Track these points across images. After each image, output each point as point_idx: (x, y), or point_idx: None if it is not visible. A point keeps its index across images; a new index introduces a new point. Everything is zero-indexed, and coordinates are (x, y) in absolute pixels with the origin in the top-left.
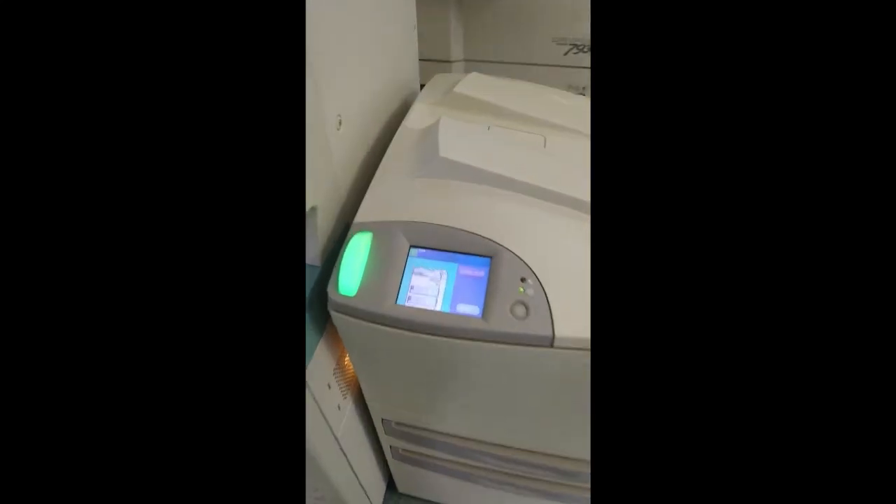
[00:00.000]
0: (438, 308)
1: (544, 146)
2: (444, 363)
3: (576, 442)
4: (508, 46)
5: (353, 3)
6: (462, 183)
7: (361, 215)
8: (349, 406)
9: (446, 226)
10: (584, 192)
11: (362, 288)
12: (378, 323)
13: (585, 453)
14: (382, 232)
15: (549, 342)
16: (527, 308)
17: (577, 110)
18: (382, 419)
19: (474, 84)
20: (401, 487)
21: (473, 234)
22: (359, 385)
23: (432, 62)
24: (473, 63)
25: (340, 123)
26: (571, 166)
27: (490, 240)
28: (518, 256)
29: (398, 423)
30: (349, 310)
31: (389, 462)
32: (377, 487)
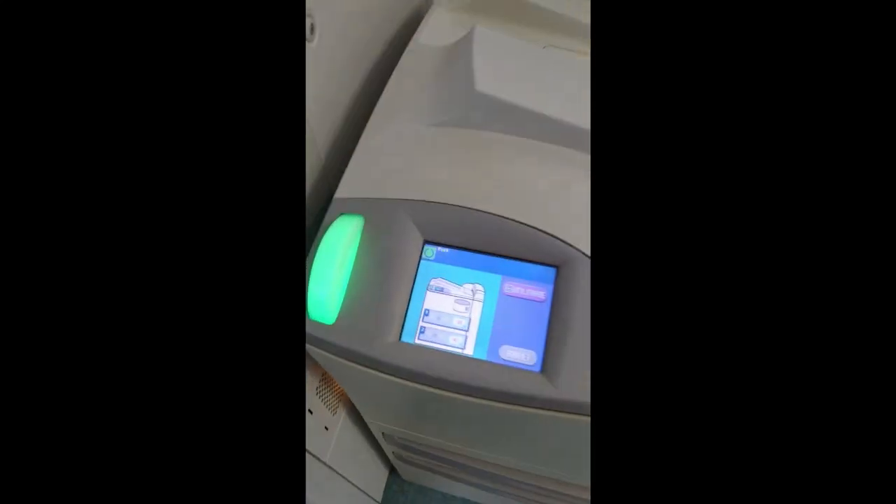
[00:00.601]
0: (469, 352)
1: None
2: (480, 420)
3: None
4: None
5: None
6: (511, 138)
7: (347, 186)
8: (340, 420)
9: (482, 210)
10: None
11: (346, 311)
12: (370, 367)
13: None
14: (379, 216)
15: None
16: None
17: None
18: (383, 433)
19: None
20: (404, 477)
21: (528, 225)
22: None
23: None
24: None
25: (313, 30)
26: None
27: (556, 237)
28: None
29: (401, 438)
30: (324, 344)
31: (392, 461)
32: (379, 477)
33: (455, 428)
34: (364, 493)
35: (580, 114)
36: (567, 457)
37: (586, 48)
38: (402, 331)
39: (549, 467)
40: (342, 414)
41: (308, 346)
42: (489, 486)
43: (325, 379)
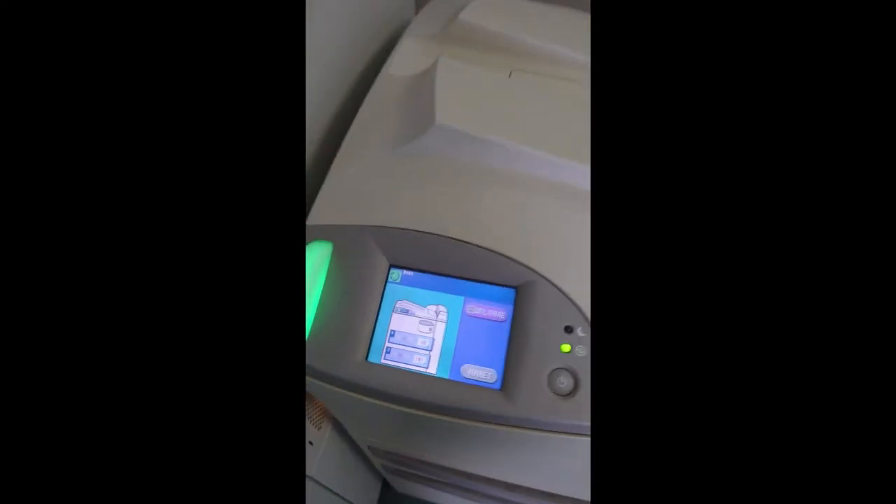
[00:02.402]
0: (433, 371)
1: (588, 104)
2: (440, 439)
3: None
4: None
5: None
6: (472, 165)
7: (318, 213)
8: (326, 435)
9: (446, 236)
10: None
11: (317, 332)
12: (339, 387)
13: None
14: (347, 241)
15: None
16: (575, 378)
17: None
18: (369, 446)
19: (488, 8)
20: (397, 489)
21: (488, 249)
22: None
23: None
24: None
25: None
26: None
27: (515, 260)
28: (559, 289)
29: (386, 451)
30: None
31: (382, 473)
32: (370, 486)
33: (431, 442)
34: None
35: (540, 140)
36: (541, 468)
37: (551, 70)
38: (368, 351)
39: (530, 479)
40: (327, 429)
41: None
42: (482, 499)
43: (308, 395)
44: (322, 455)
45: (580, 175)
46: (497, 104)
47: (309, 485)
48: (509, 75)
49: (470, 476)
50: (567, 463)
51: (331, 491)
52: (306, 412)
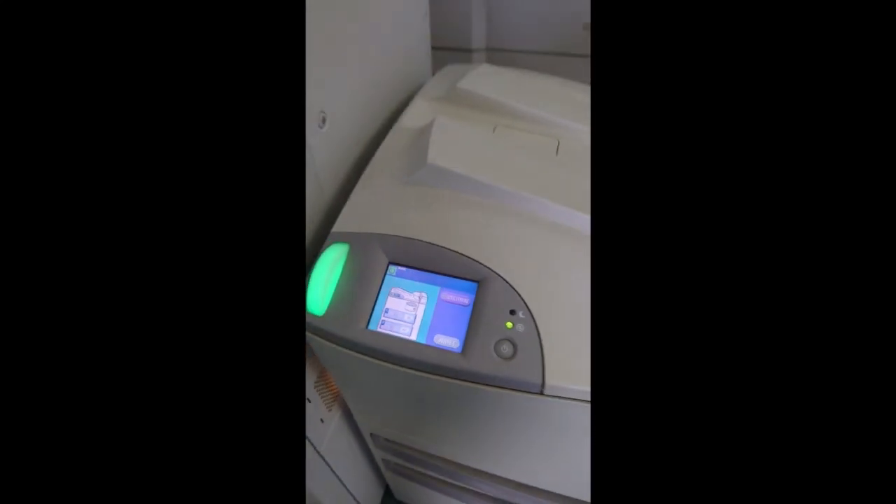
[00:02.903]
0: (413, 338)
1: (556, 153)
2: (422, 395)
3: (569, 483)
4: (534, 34)
5: None
6: (453, 193)
7: (340, 224)
8: (336, 418)
9: (430, 242)
10: None
11: (332, 307)
12: (347, 348)
13: (580, 492)
14: (360, 244)
15: (539, 389)
16: (514, 347)
17: None
18: (371, 434)
19: (482, 78)
20: (397, 495)
21: (460, 254)
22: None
23: (451, 51)
24: (496, 52)
25: (324, 121)
26: (584, 178)
27: (478, 262)
28: (509, 284)
29: (388, 440)
30: (316, 330)
31: (384, 472)
32: (373, 493)
33: (410, 401)
34: (356, 501)
35: (508, 178)
36: (493, 424)
37: (528, 127)
38: (369, 322)
39: (487, 442)
40: (337, 414)
41: (307, 334)
42: (478, 501)
43: (323, 376)
44: (331, 435)
45: (535, 204)
46: (478, 151)
47: (318, 463)
48: (493, 130)
49: (457, 466)
50: (511, 421)
51: (336, 476)
52: (321, 392)
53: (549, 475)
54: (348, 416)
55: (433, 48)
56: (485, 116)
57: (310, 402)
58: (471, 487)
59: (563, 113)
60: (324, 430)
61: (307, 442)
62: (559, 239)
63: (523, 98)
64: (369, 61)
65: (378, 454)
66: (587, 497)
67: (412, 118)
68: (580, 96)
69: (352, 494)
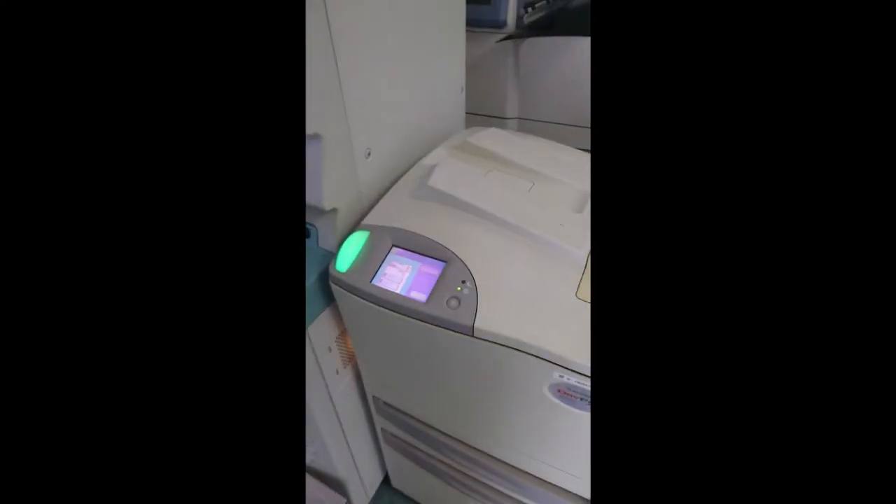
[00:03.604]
0: (398, 291)
1: (528, 191)
2: (399, 335)
3: (513, 448)
4: (561, 107)
5: (398, 69)
6: (442, 206)
7: (368, 220)
8: (348, 377)
9: (421, 234)
10: (542, 229)
11: (351, 268)
12: (356, 295)
13: (530, 465)
14: (376, 232)
15: (470, 332)
16: (459, 302)
17: (573, 165)
18: (373, 396)
19: (489, 137)
20: (394, 481)
21: (438, 243)
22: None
23: (489, 117)
24: (527, 121)
25: (369, 154)
26: (541, 207)
27: (449, 249)
28: (465, 264)
29: (385, 404)
30: (340, 282)
31: (382, 449)
32: (372, 475)
33: (396, 339)
34: (355, 466)
35: (483, 201)
36: (451, 361)
37: (512, 171)
38: (372, 279)
39: (472, 426)
40: (349, 374)
41: (333, 285)
42: (456, 479)
43: (343, 335)
44: (343, 389)
45: (497, 217)
46: (466, 182)
47: (328, 409)
48: (486, 173)
49: (435, 431)
50: (455, 357)
51: (343, 436)
52: (340, 347)
53: (495, 437)
54: (360, 384)
55: (475, 114)
56: (484, 162)
57: (330, 350)
58: (446, 460)
59: (544, 165)
60: (338, 380)
61: (323, 383)
62: (511, 243)
63: (516, 153)
64: (410, 118)
65: (378, 423)
66: (524, 465)
67: (431, 158)
68: (564, 156)
69: (352, 453)
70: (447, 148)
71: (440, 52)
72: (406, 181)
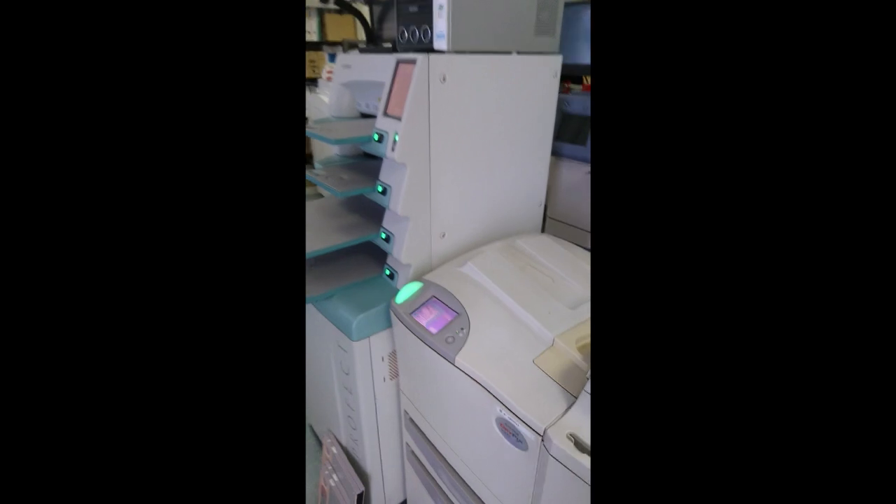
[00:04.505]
0: (423, 323)
1: (544, 286)
2: (417, 353)
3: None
4: None
5: (481, 179)
6: (470, 279)
7: (427, 276)
8: (392, 388)
9: (452, 293)
10: (532, 313)
11: (403, 303)
12: (400, 320)
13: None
14: (427, 285)
15: (452, 361)
16: (454, 340)
17: (589, 273)
18: (404, 410)
19: (533, 240)
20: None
21: (459, 301)
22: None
23: (574, 227)
24: None
25: (444, 236)
26: (542, 299)
27: (463, 307)
28: (469, 319)
29: (411, 420)
30: (395, 310)
31: (405, 469)
32: (393, 488)
33: (417, 376)
34: (382, 474)
35: (499, 282)
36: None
37: (544, 270)
38: (412, 312)
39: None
40: (393, 388)
41: (391, 312)
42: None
43: (393, 354)
44: (386, 395)
45: (502, 301)
46: (493, 270)
47: (370, 408)
48: (521, 269)
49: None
50: (445, 377)
51: (377, 431)
52: (389, 364)
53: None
54: (398, 394)
55: (561, 222)
56: (523, 261)
57: (383, 360)
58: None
59: (565, 269)
60: (384, 387)
61: (370, 378)
62: (504, 313)
63: (547, 257)
64: (484, 216)
65: (405, 436)
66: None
67: (483, 251)
68: (585, 265)
69: (381, 464)
70: (502, 243)
71: (524, 174)
72: (464, 257)
